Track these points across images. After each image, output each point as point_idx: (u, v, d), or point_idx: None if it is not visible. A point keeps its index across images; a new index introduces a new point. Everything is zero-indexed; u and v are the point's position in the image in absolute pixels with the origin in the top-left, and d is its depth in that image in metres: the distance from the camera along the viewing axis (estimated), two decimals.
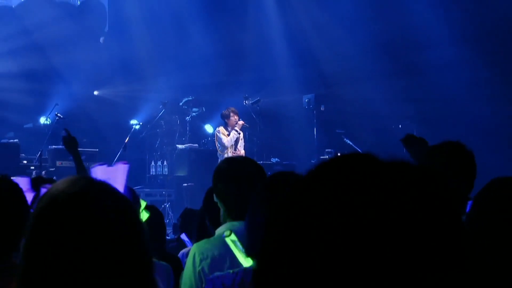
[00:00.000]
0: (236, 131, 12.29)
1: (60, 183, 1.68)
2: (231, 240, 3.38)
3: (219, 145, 12.36)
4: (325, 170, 0.97)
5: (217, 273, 2.87)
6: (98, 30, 16.43)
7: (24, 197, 2.86)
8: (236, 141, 12.34)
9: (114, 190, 1.71)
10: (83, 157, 5.14)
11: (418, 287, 0.89)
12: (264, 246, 0.99)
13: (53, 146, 13.19)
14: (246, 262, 3.18)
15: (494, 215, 2.02)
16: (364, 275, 0.90)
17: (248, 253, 2.85)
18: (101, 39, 16.32)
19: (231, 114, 12.34)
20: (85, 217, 1.60)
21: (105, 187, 1.70)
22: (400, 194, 0.92)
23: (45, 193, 1.67)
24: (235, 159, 4.20)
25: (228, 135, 12.23)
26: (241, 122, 12.27)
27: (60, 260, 1.58)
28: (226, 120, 12.38)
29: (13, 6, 15.94)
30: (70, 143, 5.00)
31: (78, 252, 1.58)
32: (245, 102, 13.97)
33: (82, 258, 1.57)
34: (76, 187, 1.65)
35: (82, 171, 4.84)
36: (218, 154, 12.40)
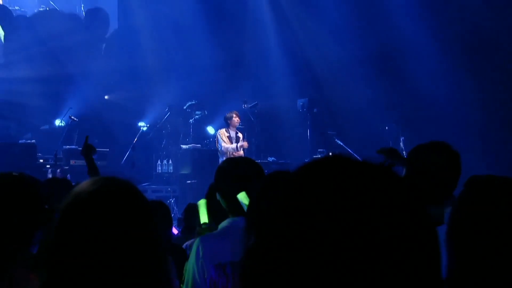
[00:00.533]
0: (236, 132, 12.40)
1: (84, 183, 1.73)
2: (244, 197, 3.39)
3: (219, 146, 12.41)
4: (303, 177, 1.00)
5: (220, 262, 2.89)
6: (104, 37, 16.38)
7: (39, 194, 2.87)
8: (237, 141, 12.37)
9: (130, 187, 1.75)
10: (95, 157, 5.18)
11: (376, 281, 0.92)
12: (248, 244, 1.02)
13: (67, 146, 13.18)
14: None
15: (475, 214, 1.99)
16: (333, 270, 0.92)
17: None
18: (103, 46, 16.27)
19: (233, 116, 12.41)
20: (103, 211, 1.64)
21: (122, 185, 1.74)
22: (364, 197, 0.95)
23: (71, 191, 1.72)
24: (236, 159, 4.20)
25: (229, 136, 12.30)
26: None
27: (82, 250, 1.62)
28: (228, 122, 12.42)
29: (28, 16, 15.90)
30: (87, 151, 5.08)
31: (98, 242, 1.62)
32: (244, 106, 13.97)
33: (102, 248, 1.61)
34: (96, 185, 1.70)
35: (94, 173, 4.89)
36: (218, 154, 12.45)
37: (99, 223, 1.65)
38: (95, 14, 16.05)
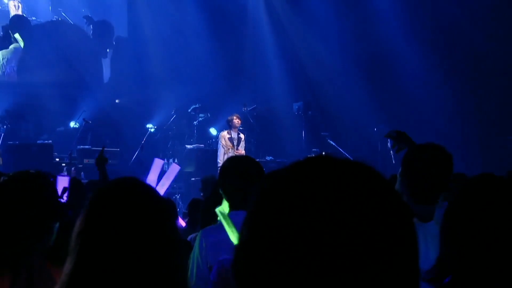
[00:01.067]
0: (238, 134, 12.43)
1: (107, 183, 1.76)
2: (220, 212, 3.40)
3: (219, 147, 12.45)
4: (290, 176, 1.02)
5: (225, 256, 2.88)
6: (110, 45, 16.38)
7: (55, 189, 2.88)
8: (238, 142, 12.39)
9: (145, 185, 1.77)
10: (107, 156, 5.24)
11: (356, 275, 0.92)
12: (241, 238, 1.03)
13: (81, 146, 13.19)
14: (235, 239, 3.18)
15: (469, 211, 1.98)
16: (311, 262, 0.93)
17: None
18: (110, 53, 16.29)
19: (234, 118, 12.43)
20: (124, 206, 1.66)
21: (138, 183, 1.76)
22: (345, 193, 0.96)
23: (97, 189, 1.75)
24: (238, 158, 4.22)
25: (230, 137, 12.32)
26: (242, 152, 12.35)
27: (108, 239, 1.63)
28: (230, 124, 12.44)
29: (43, 25, 15.87)
30: (101, 161, 5.15)
31: (121, 232, 1.63)
32: (244, 109, 13.98)
33: (125, 239, 1.63)
34: (119, 184, 1.72)
35: (104, 180, 4.93)
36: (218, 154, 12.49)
37: (120, 217, 1.67)
38: (102, 26, 16.04)
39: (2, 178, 2.85)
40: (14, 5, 15.36)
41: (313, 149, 13.78)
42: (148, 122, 14.58)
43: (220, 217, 3.42)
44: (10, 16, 15.37)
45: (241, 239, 1.01)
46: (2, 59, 14.86)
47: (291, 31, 16.09)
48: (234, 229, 3.25)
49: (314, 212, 0.94)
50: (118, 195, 1.72)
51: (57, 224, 2.81)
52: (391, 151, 12.90)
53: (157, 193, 1.78)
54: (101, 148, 5.25)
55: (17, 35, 14.69)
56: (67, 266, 1.70)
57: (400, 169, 3.35)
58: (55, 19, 15.94)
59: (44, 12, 16.04)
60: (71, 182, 4.31)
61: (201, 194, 7.33)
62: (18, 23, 15.29)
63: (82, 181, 6.72)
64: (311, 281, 0.92)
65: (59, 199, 2.88)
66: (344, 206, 0.95)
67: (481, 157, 12.10)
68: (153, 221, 1.70)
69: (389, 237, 0.96)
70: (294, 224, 0.94)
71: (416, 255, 0.99)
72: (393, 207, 0.99)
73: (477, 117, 13.37)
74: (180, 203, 12.73)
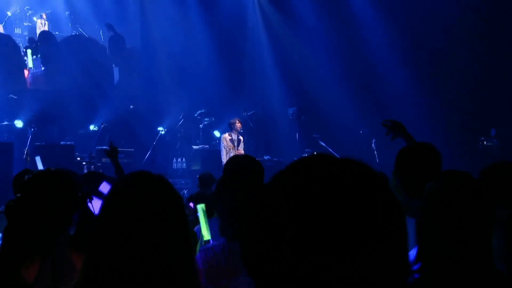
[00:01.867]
0: (238, 136, 12.42)
1: (127, 174, 1.75)
2: (202, 209, 3.35)
3: (221, 148, 12.46)
4: (284, 178, 1.03)
5: (208, 244, 2.82)
6: (123, 57, 16.37)
7: (74, 184, 2.88)
8: (238, 143, 12.39)
9: (163, 178, 1.75)
10: (122, 155, 5.24)
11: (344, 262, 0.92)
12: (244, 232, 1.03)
13: (100, 147, 13.19)
14: (207, 235, 3.12)
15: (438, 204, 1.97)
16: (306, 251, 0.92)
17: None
18: (124, 64, 16.31)
19: (236, 122, 12.43)
20: (138, 198, 1.65)
21: (157, 177, 1.74)
22: (338, 188, 0.96)
23: (116, 183, 1.75)
24: (240, 157, 4.21)
25: (231, 139, 12.32)
26: (242, 152, 12.35)
27: (124, 227, 1.61)
28: (232, 126, 12.45)
29: (65, 39, 15.93)
30: (112, 153, 5.14)
31: (137, 220, 1.61)
32: (244, 114, 13.98)
33: (141, 226, 1.61)
34: (132, 178, 1.71)
35: (119, 171, 4.92)
36: (220, 154, 12.49)
37: (134, 208, 1.65)
38: (115, 38, 16.07)
39: (27, 176, 2.85)
40: (41, 23, 15.56)
41: (306, 149, 13.79)
42: (159, 125, 14.57)
43: (199, 213, 3.35)
44: (37, 32, 15.43)
45: (248, 231, 1.01)
46: (30, 68, 14.88)
47: (287, 45, 16.12)
48: (207, 226, 3.20)
49: (313, 205, 0.94)
50: (136, 183, 1.70)
51: (77, 215, 2.80)
52: (375, 152, 12.92)
53: (169, 183, 1.76)
54: (120, 149, 5.25)
55: (29, 51, 14.70)
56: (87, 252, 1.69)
57: (394, 167, 3.33)
58: (74, 33, 15.99)
59: (66, 27, 16.09)
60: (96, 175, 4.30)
61: (199, 189, 7.30)
62: (46, 37, 15.33)
63: None
64: (310, 267, 0.92)
65: (78, 193, 2.88)
66: (339, 200, 0.94)
67: (458, 157, 12.09)
68: (167, 208, 1.68)
69: (380, 226, 0.95)
70: (296, 218, 0.94)
71: (405, 246, 0.97)
72: (383, 199, 0.98)
73: (453, 121, 13.39)
74: (187, 197, 12.72)
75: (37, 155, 11.90)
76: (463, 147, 12.84)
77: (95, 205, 2.87)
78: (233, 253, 2.62)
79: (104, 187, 3.79)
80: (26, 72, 14.73)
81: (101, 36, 16.23)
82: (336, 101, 14.58)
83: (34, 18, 15.64)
